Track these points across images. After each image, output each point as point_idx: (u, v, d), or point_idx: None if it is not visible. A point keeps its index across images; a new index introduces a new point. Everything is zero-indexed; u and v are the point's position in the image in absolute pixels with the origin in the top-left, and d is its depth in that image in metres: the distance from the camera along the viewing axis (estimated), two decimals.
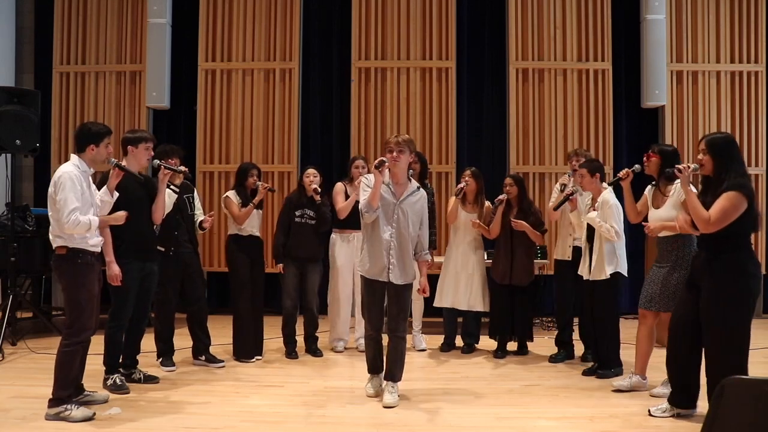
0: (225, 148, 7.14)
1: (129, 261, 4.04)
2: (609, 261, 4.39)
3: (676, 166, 3.59)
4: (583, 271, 4.59)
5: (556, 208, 4.87)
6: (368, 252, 3.98)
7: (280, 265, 5.12)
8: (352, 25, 7.13)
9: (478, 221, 5.21)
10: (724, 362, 3.38)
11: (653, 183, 4.16)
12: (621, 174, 4.26)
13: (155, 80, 6.96)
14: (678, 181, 3.89)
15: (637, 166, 3.91)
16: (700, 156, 3.49)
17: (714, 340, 3.41)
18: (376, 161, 3.86)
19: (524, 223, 5.06)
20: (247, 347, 4.98)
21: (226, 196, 5.08)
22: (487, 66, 7.34)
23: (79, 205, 3.51)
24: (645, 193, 4.23)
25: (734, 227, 3.34)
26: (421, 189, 4.09)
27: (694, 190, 3.57)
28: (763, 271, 6.85)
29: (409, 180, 4.05)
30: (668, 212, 3.96)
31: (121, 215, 3.84)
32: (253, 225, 5.04)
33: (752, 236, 3.51)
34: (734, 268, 3.40)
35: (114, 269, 3.93)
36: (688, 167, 3.52)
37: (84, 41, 7.26)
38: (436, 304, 5.43)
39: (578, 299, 4.90)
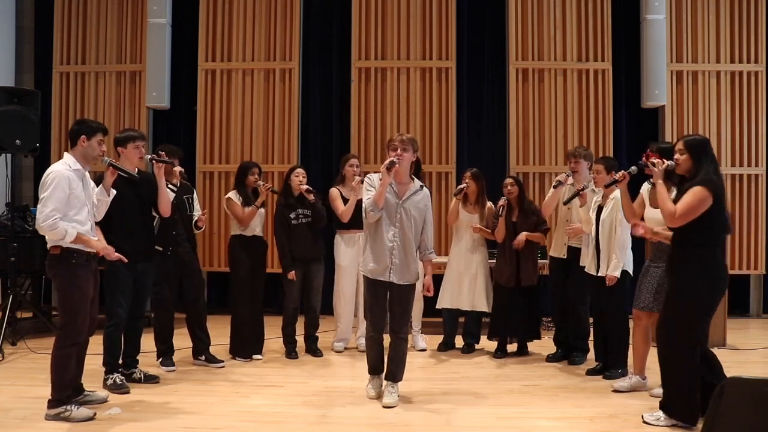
0: (225, 148, 7.14)
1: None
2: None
3: (651, 160, 3.65)
4: (588, 265, 4.57)
5: (566, 203, 4.84)
6: (371, 252, 3.95)
7: (292, 272, 5.02)
8: (352, 25, 7.12)
9: (478, 225, 5.20)
10: (673, 357, 3.42)
11: (650, 181, 4.14)
12: (617, 176, 4.22)
13: (155, 80, 6.96)
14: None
15: (633, 168, 3.94)
16: (677, 156, 3.55)
17: (667, 332, 3.46)
18: (387, 162, 3.83)
19: (524, 234, 5.06)
20: (245, 346, 4.99)
21: (228, 197, 5.04)
22: (487, 66, 7.34)
23: (60, 206, 3.44)
24: (642, 191, 4.23)
25: (700, 223, 3.36)
26: (425, 188, 4.07)
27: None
28: (763, 271, 6.96)
29: (412, 179, 4.03)
30: None
31: (99, 246, 3.64)
32: (255, 225, 5.03)
33: (729, 238, 3.53)
34: (695, 263, 3.42)
35: (108, 250, 3.74)
36: (663, 162, 3.60)
37: (84, 41, 7.25)
38: (439, 305, 5.42)
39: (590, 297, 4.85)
